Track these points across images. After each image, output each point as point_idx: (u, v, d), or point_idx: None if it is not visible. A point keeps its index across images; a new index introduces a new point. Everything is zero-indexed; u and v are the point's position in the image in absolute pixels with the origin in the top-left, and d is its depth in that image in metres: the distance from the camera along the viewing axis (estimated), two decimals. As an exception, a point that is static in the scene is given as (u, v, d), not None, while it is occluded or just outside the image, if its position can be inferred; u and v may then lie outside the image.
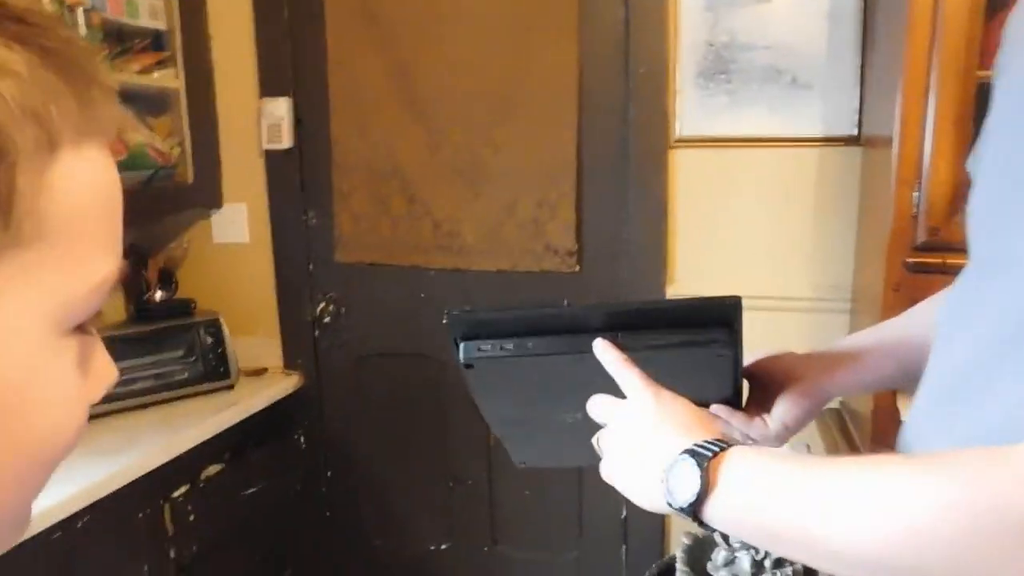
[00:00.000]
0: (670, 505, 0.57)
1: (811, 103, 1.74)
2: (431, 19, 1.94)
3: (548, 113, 1.91)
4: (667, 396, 0.66)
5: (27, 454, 0.32)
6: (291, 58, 2.06)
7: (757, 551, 1.46)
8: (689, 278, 1.89)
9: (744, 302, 2.14)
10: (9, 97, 0.28)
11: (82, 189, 0.32)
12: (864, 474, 0.50)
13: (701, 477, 0.54)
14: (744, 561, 1.46)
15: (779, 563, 1.45)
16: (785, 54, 1.74)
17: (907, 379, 0.87)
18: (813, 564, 0.55)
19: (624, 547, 1.98)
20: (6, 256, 0.29)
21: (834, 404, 1.68)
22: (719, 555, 1.50)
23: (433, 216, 2.04)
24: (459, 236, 2.03)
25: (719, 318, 0.73)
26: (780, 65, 1.75)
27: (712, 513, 0.55)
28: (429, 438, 2.09)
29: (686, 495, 0.55)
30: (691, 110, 1.82)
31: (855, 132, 1.71)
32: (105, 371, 0.35)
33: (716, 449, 0.56)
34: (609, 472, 0.67)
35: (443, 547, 2.12)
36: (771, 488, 0.53)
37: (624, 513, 1.97)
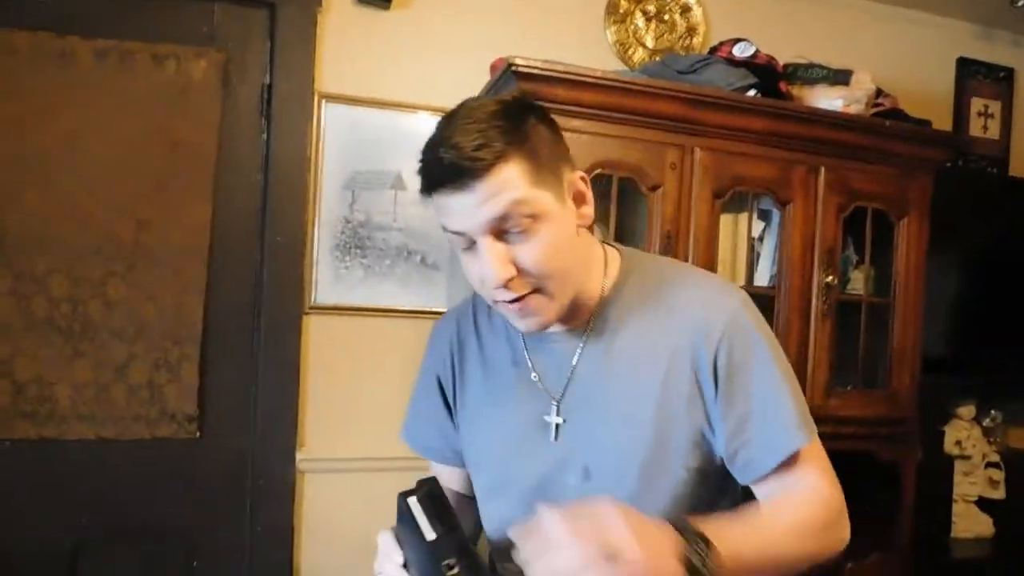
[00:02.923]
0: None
1: (438, 281, 1.94)
2: (38, 151, 1.70)
3: (175, 271, 1.80)
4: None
5: None
6: None
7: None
8: (319, 441, 1.90)
9: (372, 463, 2.21)
10: None
11: None
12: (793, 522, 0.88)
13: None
14: None
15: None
16: (415, 237, 1.93)
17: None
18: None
19: None
20: None
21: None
22: None
23: (15, 377, 1.72)
24: (51, 400, 1.74)
25: None
26: (411, 246, 1.93)
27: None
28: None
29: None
30: (327, 280, 1.88)
31: (472, 310, 1.95)
32: None
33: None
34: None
35: None
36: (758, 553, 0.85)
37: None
